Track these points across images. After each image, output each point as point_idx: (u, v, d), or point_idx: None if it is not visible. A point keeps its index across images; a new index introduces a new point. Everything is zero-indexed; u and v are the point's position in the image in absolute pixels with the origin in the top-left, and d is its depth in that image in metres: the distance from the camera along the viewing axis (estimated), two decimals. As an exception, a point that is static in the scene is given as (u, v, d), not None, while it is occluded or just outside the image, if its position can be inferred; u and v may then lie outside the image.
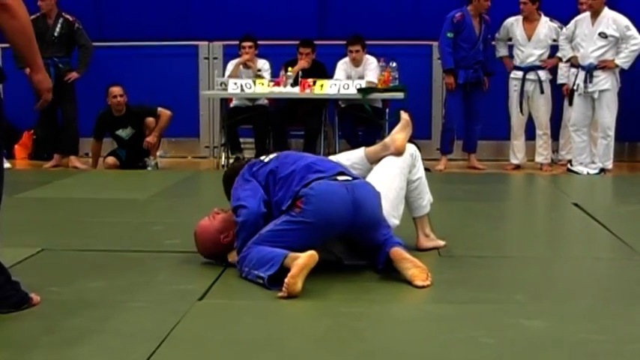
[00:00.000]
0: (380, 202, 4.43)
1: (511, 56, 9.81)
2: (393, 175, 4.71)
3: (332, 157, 4.92)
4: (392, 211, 4.61)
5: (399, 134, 4.85)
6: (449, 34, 9.59)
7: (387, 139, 4.89)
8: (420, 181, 4.90)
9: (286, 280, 3.93)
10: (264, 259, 4.14)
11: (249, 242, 4.27)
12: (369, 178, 4.69)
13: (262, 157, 4.72)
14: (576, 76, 9.23)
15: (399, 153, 4.78)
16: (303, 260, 3.98)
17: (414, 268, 4.20)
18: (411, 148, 4.87)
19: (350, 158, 4.87)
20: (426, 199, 4.96)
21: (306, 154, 4.77)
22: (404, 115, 4.98)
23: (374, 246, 4.34)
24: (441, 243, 5.04)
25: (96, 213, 6.41)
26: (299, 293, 3.93)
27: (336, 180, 4.30)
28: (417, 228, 5.01)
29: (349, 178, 4.37)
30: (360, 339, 3.44)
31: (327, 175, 4.32)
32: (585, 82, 9.10)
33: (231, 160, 9.74)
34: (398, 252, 4.27)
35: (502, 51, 9.89)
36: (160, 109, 9.46)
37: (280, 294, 3.93)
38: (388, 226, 4.45)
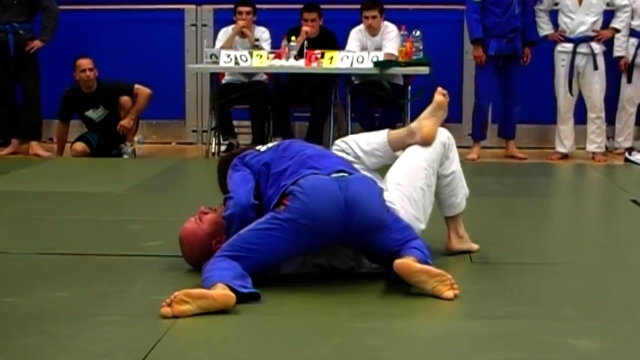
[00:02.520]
0: (382, 199, 4.38)
1: (556, 26, 9.76)
2: (418, 169, 4.66)
3: (350, 137, 4.90)
4: (417, 214, 4.57)
5: (427, 119, 4.77)
6: None
7: (413, 124, 4.81)
8: (453, 175, 4.83)
9: (179, 293, 3.86)
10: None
11: (218, 252, 4.25)
12: (390, 173, 4.68)
13: (258, 147, 4.72)
14: (637, 46, 9.25)
15: (426, 142, 4.71)
16: (215, 292, 3.91)
17: (432, 280, 4.15)
18: (443, 135, 4.78)
19: (370, 142, 4.82)
20: (460, 196, 4.91)
21: (310, 146, 4.71)
22: (438, 96, 4.86)
23: (388, 254, 4.30)
24: (474, 246, 5.03)
25: (61, 209, 6.42)
26: (181, 315, 3.83)
27: (329, 176, 4.27)
28: (449, 228, 4.99)
29: (345, 174, 4.32)
30: (376, 361, 3.43)
31: (322, 172, 4.29)
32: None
33: (222, 147, 9.76)
34: (405, 265, 4.17)
35: (546, 28, 9.75)
36: (137, 86, 9.47)
37: (164, 309, 3.84)
38: (406, 227, 4.42)
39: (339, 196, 4.19)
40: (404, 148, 4.77)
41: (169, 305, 3.84)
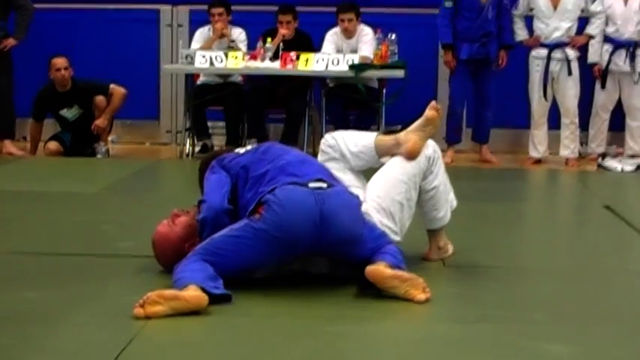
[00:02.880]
0: (360, 213, 4.38)
1: (530, 31, 9.79)
2: (398, 183, 4.62)
3: (340, 134, 4.86)
4: (393, 226, 4.56)
5: (414, 133, 4.68)
6: (447, 3, 9.61)
7: (401, 135, 4.72)
8: (436, 190, 4.76)
9: (152, 294, 3.87)
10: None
11: (190, 253, 4.24)
12: (371, 183, 4.67)
13: (238, 149, 4.71)
14: (611, 53, 9.33)
15: (410, 157, 4.65)
16: (187, 294, 3.92)
17: (404, 284, 4.15)
18: (429, 149, 4.71)
19: (358, 144, 4.77)
20: (443, 211, 4.84)
21: (290, 151, 4.69)
22: (429, 110, 4.73)
23: (361, 261, 4.28)
24: (450, 251, 4.99)
25: (33, 209, 6.38)
26: (154, 315, 3.84)
27: (307, 187, 4.24)
28: (430, 240, 4.95)
29: (323, 185, 4.29)
30: (348, 364, 3.43)
31: (300, 181, 4.27)
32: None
33: (197, 148, 9.74)
34: (376, 271, 4.17)
35: (521, 34, 9.75)
36: (112, 85, 9.43)
37: (136, 309, 3.83)
38: (381, 234, 4.42)
39: (314, 210, 4.17)
40: (391, 155, 4.73)
41: (142, 306, 3.83)
